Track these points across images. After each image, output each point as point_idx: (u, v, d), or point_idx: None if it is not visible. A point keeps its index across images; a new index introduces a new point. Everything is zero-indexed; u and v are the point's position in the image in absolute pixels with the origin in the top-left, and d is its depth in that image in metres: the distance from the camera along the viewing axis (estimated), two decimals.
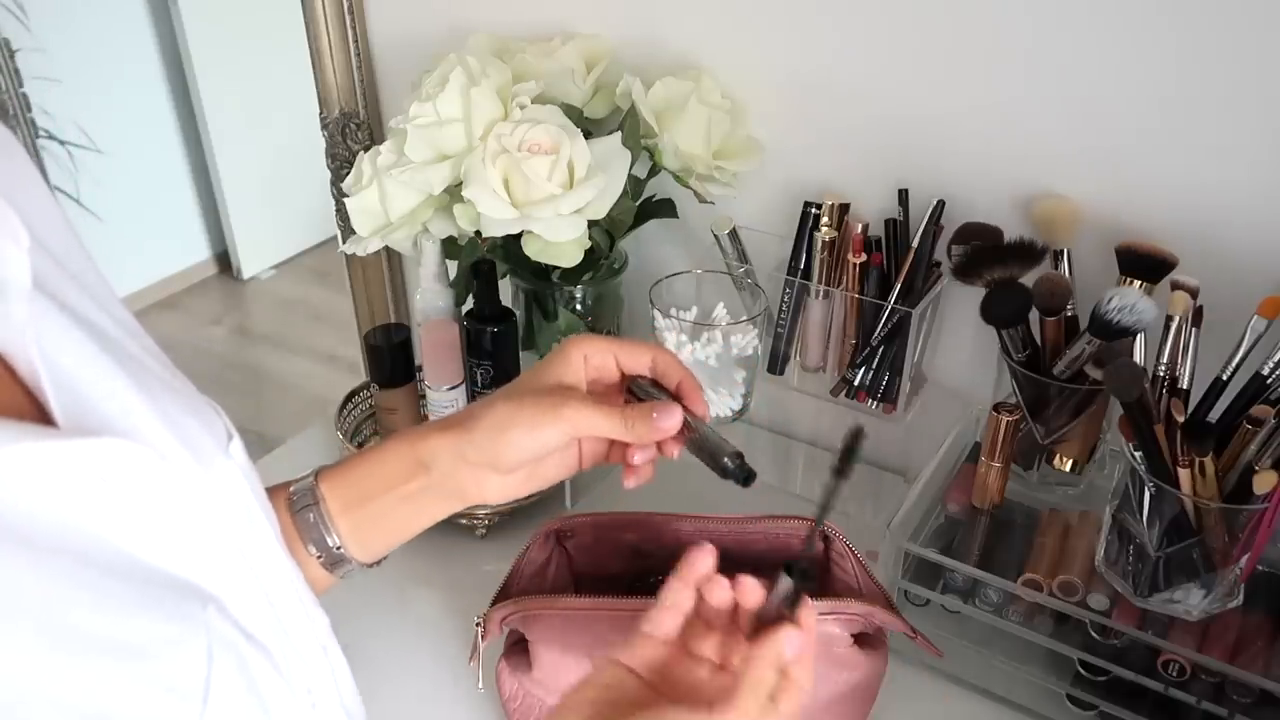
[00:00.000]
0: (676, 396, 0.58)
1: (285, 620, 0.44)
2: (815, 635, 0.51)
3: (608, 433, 0.55)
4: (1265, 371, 0.65)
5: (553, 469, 0.59)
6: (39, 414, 0.34)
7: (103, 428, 0.36)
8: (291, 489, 0.57)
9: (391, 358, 0.94)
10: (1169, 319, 0.68)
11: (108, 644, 0.33)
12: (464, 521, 0.92)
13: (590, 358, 0.58)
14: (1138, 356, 0.70)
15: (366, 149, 0.93)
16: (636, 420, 0.55)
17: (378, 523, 0.57)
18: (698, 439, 0.56)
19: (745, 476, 0.55)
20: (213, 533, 0.40)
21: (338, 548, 0.56)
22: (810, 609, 0.51)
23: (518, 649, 0.71)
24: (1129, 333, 0.69)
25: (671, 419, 0.55)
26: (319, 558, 0.56)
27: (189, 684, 0.35)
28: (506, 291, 0.95)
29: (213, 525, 0.40)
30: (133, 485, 0.36)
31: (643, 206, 0.91)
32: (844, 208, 0.84)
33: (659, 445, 0.58)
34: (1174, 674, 0.68)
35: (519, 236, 0.81)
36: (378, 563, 0.59)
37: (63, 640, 0.32)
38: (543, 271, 0.91)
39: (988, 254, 0.75)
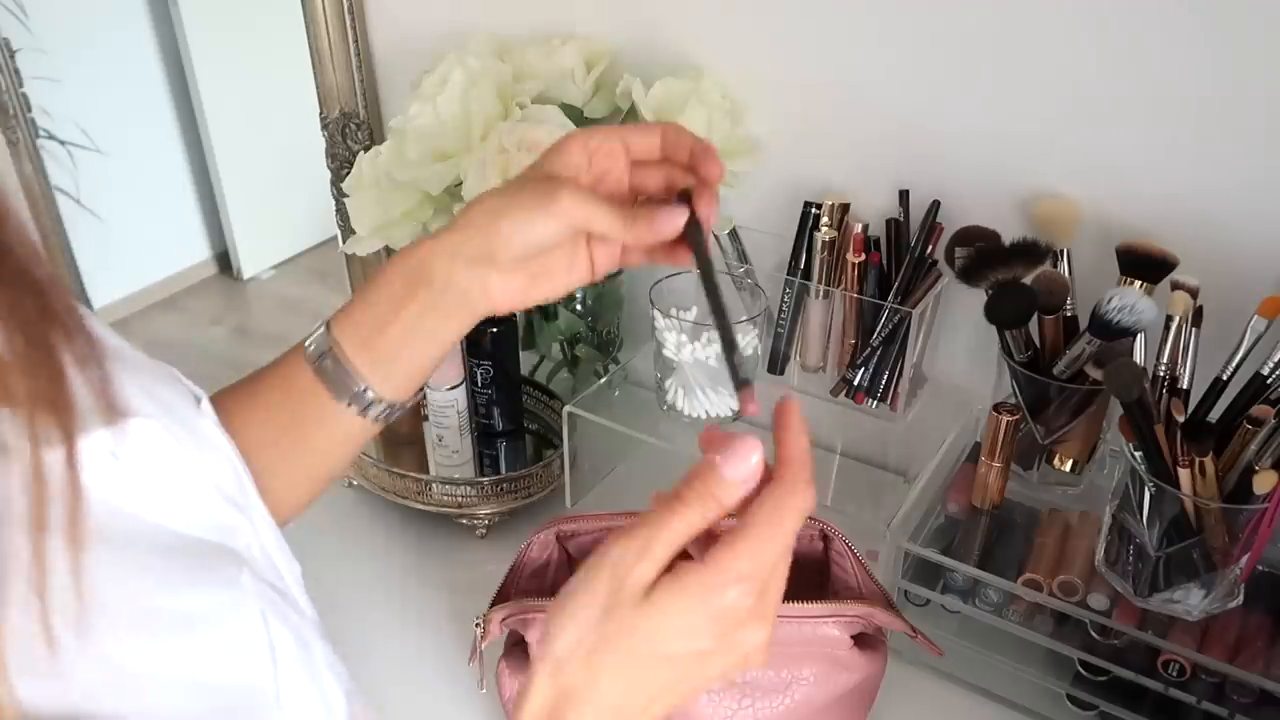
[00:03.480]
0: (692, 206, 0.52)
1: (278, 561, 0.46)
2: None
3: (604, 226, 0.51)
4: (1265, 371, 0.65)
5: (561, 271, 0.54)
6: None
7: (108, 409, 0.36)
8: (306, 343, 0.55)
9: None
10: (1169, 319, 0.68)
11: (179, 619, 0.34)
12: (464, 521, 0.92)
13: (595, 149, 0.53)
14: (1138, 356, 0.70)
15: (366, 149, 0.93)
16: (638, 217, 0.50)
17: (397, 354, 0.54)
18: (705, 263, 0.52)
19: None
20: (216, 493, 0.41)
21: (364, 389, 0.53)
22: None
23: (518, 649, 0.71)
24: (1129, 333, 0.69)
25: (672, 221, 0.50)
26: (349, 405, 0.53)
27: (256, 646, 0.37)
28: None
29: (214, 485, 0.41)
30: (151, 460, 0.37)
31: None
32: (844, 208, 0.84)
33: (670, 254, 0.53)
34: (1174, 674, 0.68)
35: None
36: (413, 399, 0.56)
37: (144, 622, 0.33)
38: None
39: (991, 255, 0.75)
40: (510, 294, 0.53)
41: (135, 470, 0.37)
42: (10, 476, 0.30)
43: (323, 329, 0.54)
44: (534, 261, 0.52)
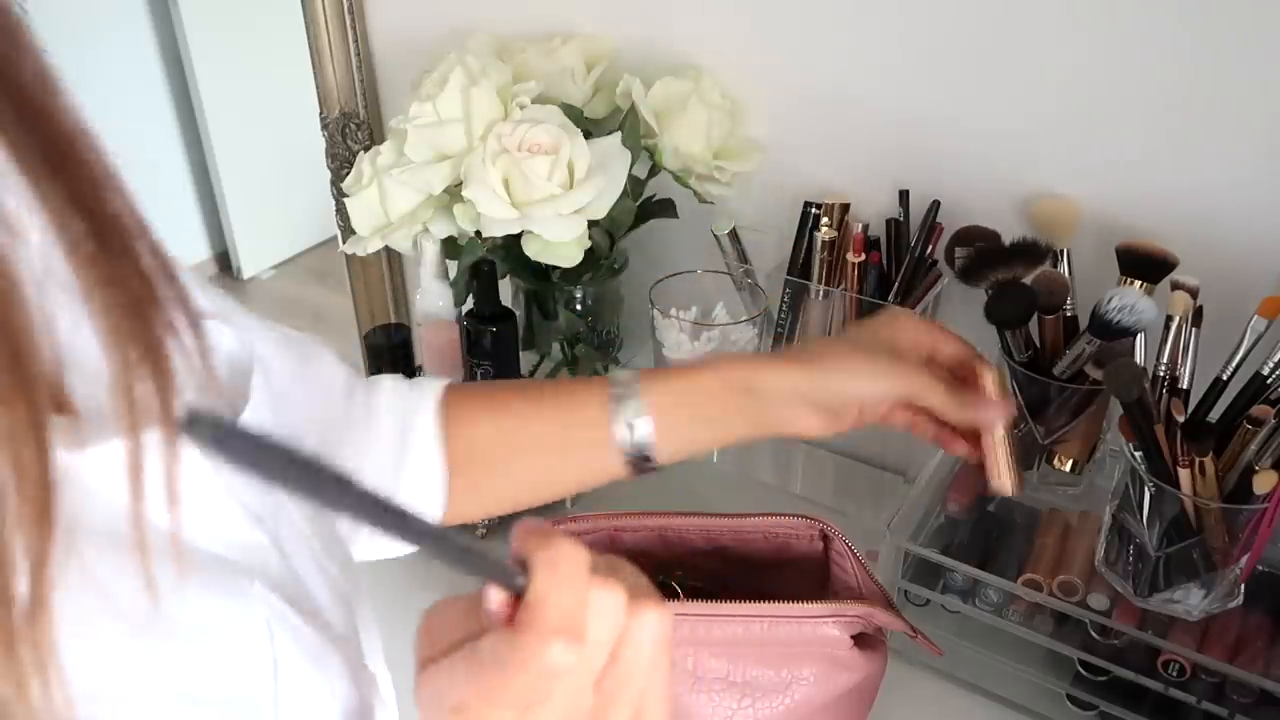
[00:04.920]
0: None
1: (302, 575, 0.44)
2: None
3: (936, 404, 0.59)
4: (1265, 371, 0.65)
5: (855, 416, 0.61)
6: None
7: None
8: (612, 377, 0.60)
9: (391, 358, 0.94)
10: (1169, 319, 0.68)
11: (181, 628, 0.34)
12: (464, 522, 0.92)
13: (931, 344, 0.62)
14: (1138, 356, 0.70)
15: (366, 149, 0.93)
16: (965, 401, 0.59)
17: (692, 424, 0.59)
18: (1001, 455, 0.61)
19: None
20: (234, 506, 0.41)
21: (644, 443, 0.58)
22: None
23: None
24: (1129, 333, 0.69)
25: (989, 412, 0.59)
26: (622, 448, 0.59)
27: (258, 657, 0.37)
28: (506, 291, 0.95)
29: (238, 501, 0.41)
30: (159, 468, 0.37)
31: (643, 206, 0.91)
32: (844, 208, 0.84)
33: (952, 442, 0.63)
34: (1174, 674, 0.68)
35: (519, 236, 0.81)
36: (664, 460, 0.61)
37: (144, 628, 0.33)
38: (543, 271, 0.91)
39: (991, 255, 0.75)
40: (814, 427, 0.59)
41: (152, 481, 0.36)
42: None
43: (635, 375, 0.60)
44: (852, 408, 0.60)
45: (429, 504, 0.59)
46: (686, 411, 0.59)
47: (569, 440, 0.60)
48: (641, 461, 0.59)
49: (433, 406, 0.59)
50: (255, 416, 0.45)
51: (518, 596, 0.32)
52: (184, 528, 0.37)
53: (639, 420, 0.58)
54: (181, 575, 0.31)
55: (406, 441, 0.59)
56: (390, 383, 0.61)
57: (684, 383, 0.59)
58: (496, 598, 0.33)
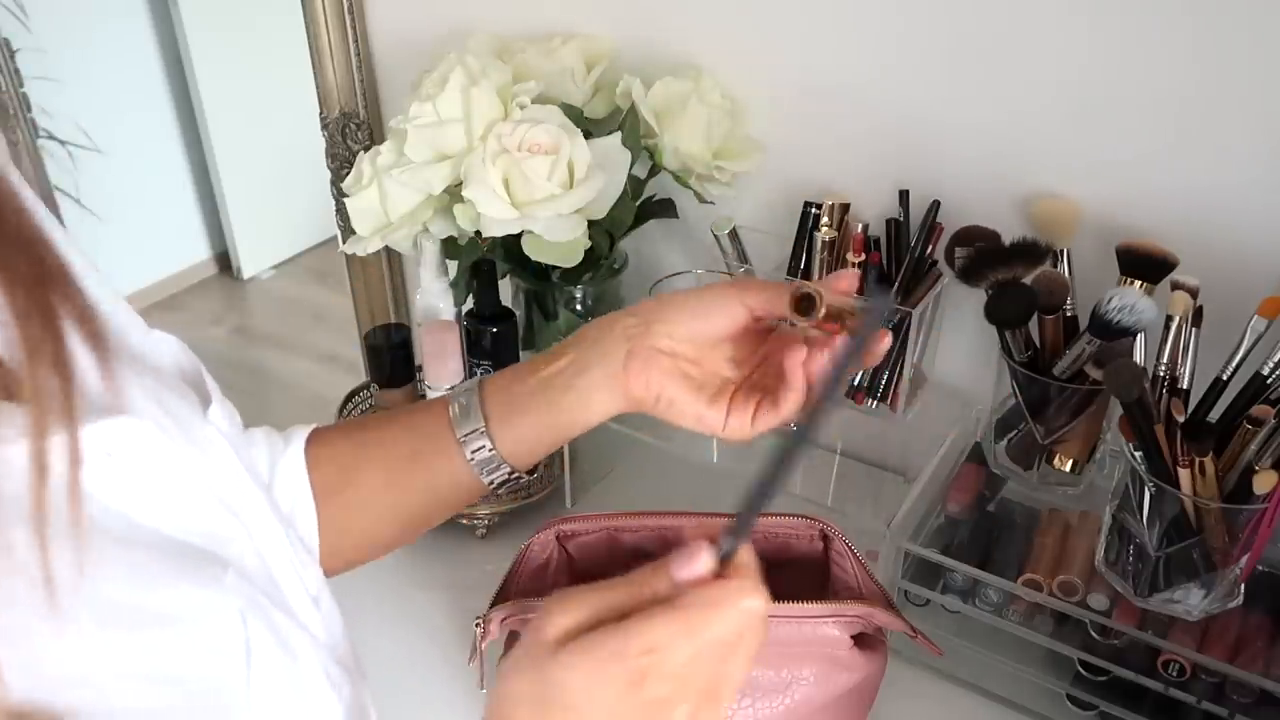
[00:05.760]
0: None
1: (278, 574, 0.46)
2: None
3: (776, 308, 0.53)
4: (1265, 371, 0.65)
5: (692, 400, 0.54)
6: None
7: (91, 407, 0.36)
8: (455, 389, 0.58)
9: (391, 358, 0.94)
10: (1169, 319, 0.68)
11: (151, 616, 0.34)
12: (464, 521, 0.92)
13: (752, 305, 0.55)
14: (1138, 356, 0.70)
15: (366, 149, 0.93)
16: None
17: (526, 407, 0.56)
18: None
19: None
20: (209, 498, 0.41)
21: (482, 429, 0.56)
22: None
23: None
24: (1129, 333, 0.69)
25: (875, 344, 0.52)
26: (466, 446, 0.56)
27: (231, 645, 0.37)
28: (506, 291, 0.95)
29: (208, 491, 0.41)
30: (142, 460, 0.37)
31: (643, 206, 0.91)
32: (844, 208, 0.84)
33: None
34: (1174, 674, 0.68)
35: (519, 236, 0.81)
36: (525, 470, 0.59)
37: (112, 616, 0.33)
38: (543, 271, 0.91)
39: (991, 255, 0.75)
40: (644, 386, 0.54)
41: (127, 470, 0.37)
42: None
43: (477, 375, 0.57)
44: (680, 365, 0.54)
45: (305, 532, 0.58)
46: (520, 416, 0.56)
47: (418, 453, 0.58)
48: (491, 469, 0.57)
49: (301, 441, 0.58)
50: (216, 414, 0.46)
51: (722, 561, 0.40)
52: (156, 517, 0.37)
53: (474, 433, 0.56)
54: (83, 561, 0.31)
55: (276, 472, 0.57)
56: (261, 432, 0.59)
57: (517, 384, 0.57)
58: (707, 561, 0.40)
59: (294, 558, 0.48)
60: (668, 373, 0.54)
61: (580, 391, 0.55)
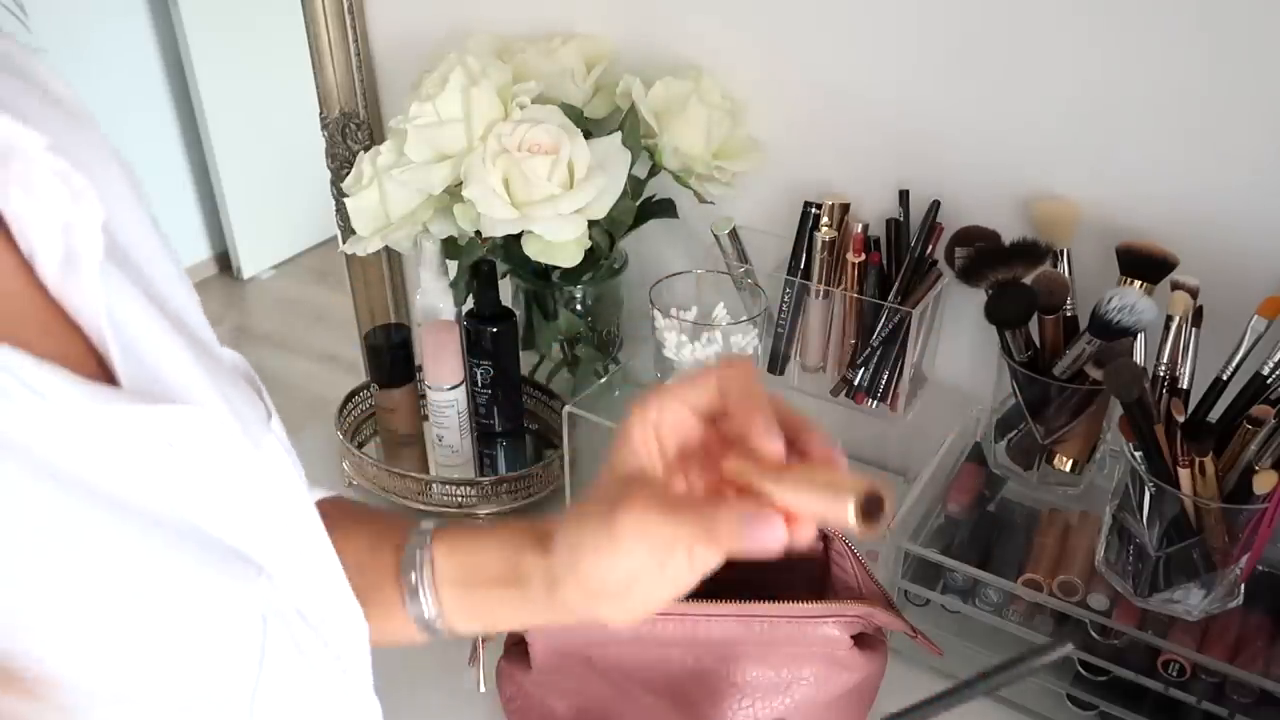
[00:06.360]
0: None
1: (322, 595, 0.45)
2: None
3: (686, 542, 0.43)
4: (1265, 371, 0.65)
5: (655, 585, 0.47)
6: (104, 378, 0.35)
7: (165, 395, 0.36)
8: (404, 544, 0.54)
9: (391, 358, 0.94)
10: (1169, 319, 0.68)
11: (171, 604, 0.34)
12: (464, 522, 0.92)
13: (659, 423, 0.46)
14: (1138, 356, 0.70)
15: (366, 149, 0.93)
16: (721, 527, 0.41)
17: (475, 610, 0.53)
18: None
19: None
20: (262, 506, 0.41)
21: (435, 619, 0.53)
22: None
23: (517, 649, 0.71)
24: (1129, 333, 0.69)
25: (770, 531, 0.40)
26: (412, 617, 0.53)
27: (246, 645, 0.37)
28: (506, 291, 0.95)
29: (262, 498, 0.41)
30: (194, 453, 0.37)
31: (643, 206, 0.91)
32: (844, 208, 0.84)
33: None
34: (1174, 674, 0.68)
35: (519, 236, 0.81)
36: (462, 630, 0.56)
37: (131, 596, 0.33)
38: (543, 271, 0.91)
39: (991, 255, 0.75)
40: (623, 612, 0.48)
41: (185, 463, 0.37)
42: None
43: (429, 533, 0.54)
44: (636, 584, 0.47)
45: None
46: (471, 591, 0.53)
47: (373, 573, 0.54)
48: (430, 629, 0.54)
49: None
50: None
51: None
52: (202, 514, 0.37)
53: (425, 604, 0.53)
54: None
55: None
56: None
57: (472, 559, 0.52)
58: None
59: (341, 582, 0.47)
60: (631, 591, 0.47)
61: (540, 615, 0.52)
